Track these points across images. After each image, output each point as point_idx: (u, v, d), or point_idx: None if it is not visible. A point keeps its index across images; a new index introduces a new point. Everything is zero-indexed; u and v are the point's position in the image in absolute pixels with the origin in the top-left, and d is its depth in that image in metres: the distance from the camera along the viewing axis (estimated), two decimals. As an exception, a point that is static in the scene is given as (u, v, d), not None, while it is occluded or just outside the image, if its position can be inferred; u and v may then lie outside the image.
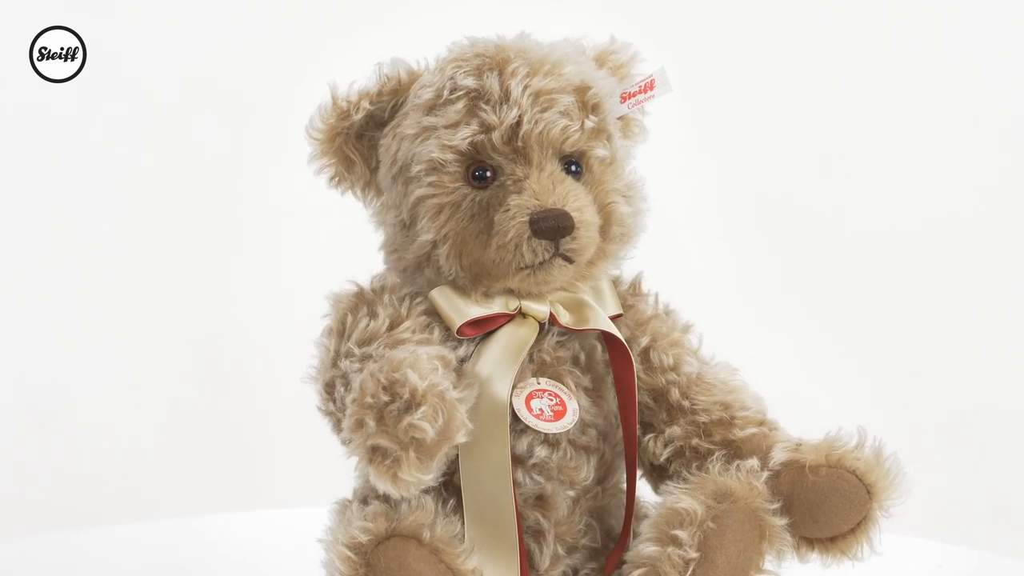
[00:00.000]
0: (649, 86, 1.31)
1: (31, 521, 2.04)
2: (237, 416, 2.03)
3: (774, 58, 2.29)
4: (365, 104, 1.27)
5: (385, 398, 1.07)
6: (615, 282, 1.33)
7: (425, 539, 1.13)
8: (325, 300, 1.28)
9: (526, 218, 1.17)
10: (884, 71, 2.32)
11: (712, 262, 2.24)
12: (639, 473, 1.29)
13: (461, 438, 1.12)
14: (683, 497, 1.17)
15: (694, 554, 1.13)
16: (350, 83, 1.29)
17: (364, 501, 1.24)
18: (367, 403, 1.08)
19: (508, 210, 1.18)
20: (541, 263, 1.18)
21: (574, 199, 1.19)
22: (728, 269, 2.28)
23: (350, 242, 1.41)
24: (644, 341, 1.29)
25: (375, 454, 1.07)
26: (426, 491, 1.22)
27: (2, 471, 2.13)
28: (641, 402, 1.28)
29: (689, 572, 1.13)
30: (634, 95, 1.31)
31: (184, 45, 2.20)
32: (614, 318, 1.28)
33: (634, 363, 1.26)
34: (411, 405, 1.06)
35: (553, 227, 1.16)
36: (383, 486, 1.09)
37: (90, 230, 2.20)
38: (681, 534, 1.14)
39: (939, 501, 2.12)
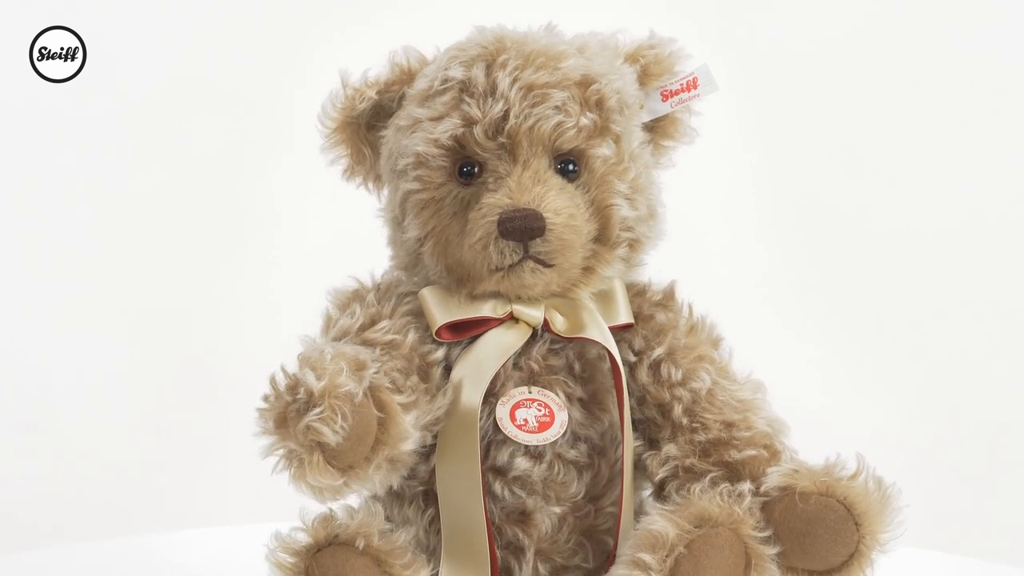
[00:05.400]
0: (692, 84, 1.25)
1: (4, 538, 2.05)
2: (225, 428, 2.03)
3: (805, 61, 2.21)
4: (371, 94, 1.23)
5: (287, 398, 1.03)
6: (642, 290, 1.26)
7: (358, 547, 1.08)
8: (325, 296, 1.25)
9: (495, 217, 1.11)
10: (920, 75, 2.21)
11: (741, 268, 2.16)
12: (647, 492, 1.23)
13: (409, 446, 1.08)
14: (658, 519, 1.10)
15: None
16: (364, 71, 1.25)
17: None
18: (270, 402, 1.04)
19: (480, 208, 1.13)
20: (511, 266, 1.13)
21: (552, 200, 1.12)
22: (757, 276, 2.19)
23: (347, 249, 1.37)
24: (658, 352, 1.21)
25: (290, 456, 1.03)
26: (407, 499, 1.19)
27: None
28: (649, 417, 1.21)
29: None
30: (676, 93, 1.25)
31: (184, 45, 2.18)
32: (624, 327, 1.22)
33: (641, 376, 1.20)
34: (309, 406, 1.02)
35: (520, 228, 1.11)
36: (303, 492, 1.05)
37: (81, 235, 2.19)
38: (647, 558, 1.07)
39: (973, 514, 2.05)
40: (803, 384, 1.83)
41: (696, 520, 1.09)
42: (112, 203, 2.17)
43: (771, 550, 1.10)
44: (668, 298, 1.26)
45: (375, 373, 1.08)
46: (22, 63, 1.75)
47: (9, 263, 2.16)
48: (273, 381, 1.04)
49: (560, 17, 1.26)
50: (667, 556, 1.07)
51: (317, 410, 1.01)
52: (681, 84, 1.24)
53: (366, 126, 1.25)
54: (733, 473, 1.16)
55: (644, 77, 1.24)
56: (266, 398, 1.04)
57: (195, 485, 2.14)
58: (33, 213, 2.17)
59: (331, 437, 1.01)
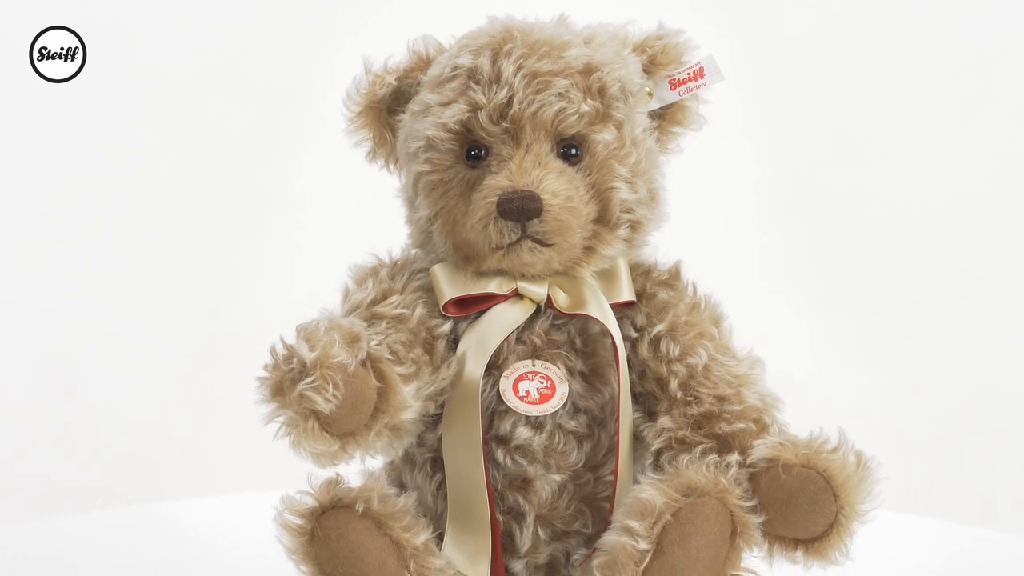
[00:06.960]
0: (699, 73, 1.29)
1: (39, 501, 2.09)
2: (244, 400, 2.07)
3: (801, 49, 2.23)
4: (390, 80, 1.29)
5: (284, 367, 1.09)
6: (648, 269, 1.31)
7: (358, 510, 1.14)
8: (346, 271, 1.31)
9: (495, 198, 1.17)
10: (914, 62, 2.22)
11: (739, 247, 2.18)
12: (647, 462, 1.28)
13: (409, 415, 1.14)
14: (647, 488, 1.15)
15: (645, 545, 1.11)
16: (385, 58, 1.31)
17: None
18: (268, 371, 1.10)
19: (482, 190, 1.19)
20: (510, 244, 1.18)
21: (551, 182, 1.18)
22: (755, 253, 2.23)
23: (369, 228, 1.42)
24: (658, 329, 1.26)
25: (288, 423, 1.09)
26: (418, 465, 1.26)
27: (17, 450, 2.16)
28: (649, 391, 1.26)
29: (644, 564, 1.11)
30: (684, 82, 1.30)
31: (183, 45, 2.20)
32: (626, 304, 1.27)
33: (642, 351, 1.25)
34: (302, 375, 1.08)
35: (518, 209, 1.16)
36: (303, 457, 1.11)
37: (88, 227, 2.21)
38: (634, 524, 1.12)
39: (963, 484, 2.08)
40: (796, 358, 1.85)
41: (683, 489, 1.14)
42: (115, 200, 2.21)
43: (757, 519, 1.14)
44: (673, 277, 1.30)
45: (376, 345, 1.13)
46: (22, 63, 1.77)
47: (16, 254, 2.19)
48: (272, 352, 1.11)
49: (575, 9, 1.32)
50: (655, 523, 1.12)
51: (309, 379, 1.07)
52: (688, 73, 1.29)
53: (387, 110, 1.31)
54: (723, 445, 1.20)
55: (652, 67, 1.29)
56: (265, 367, 1.11)
57: (215, 453, 2.19)
58: (35, 213, 2.19)
59: (323, 405, 1.07)
